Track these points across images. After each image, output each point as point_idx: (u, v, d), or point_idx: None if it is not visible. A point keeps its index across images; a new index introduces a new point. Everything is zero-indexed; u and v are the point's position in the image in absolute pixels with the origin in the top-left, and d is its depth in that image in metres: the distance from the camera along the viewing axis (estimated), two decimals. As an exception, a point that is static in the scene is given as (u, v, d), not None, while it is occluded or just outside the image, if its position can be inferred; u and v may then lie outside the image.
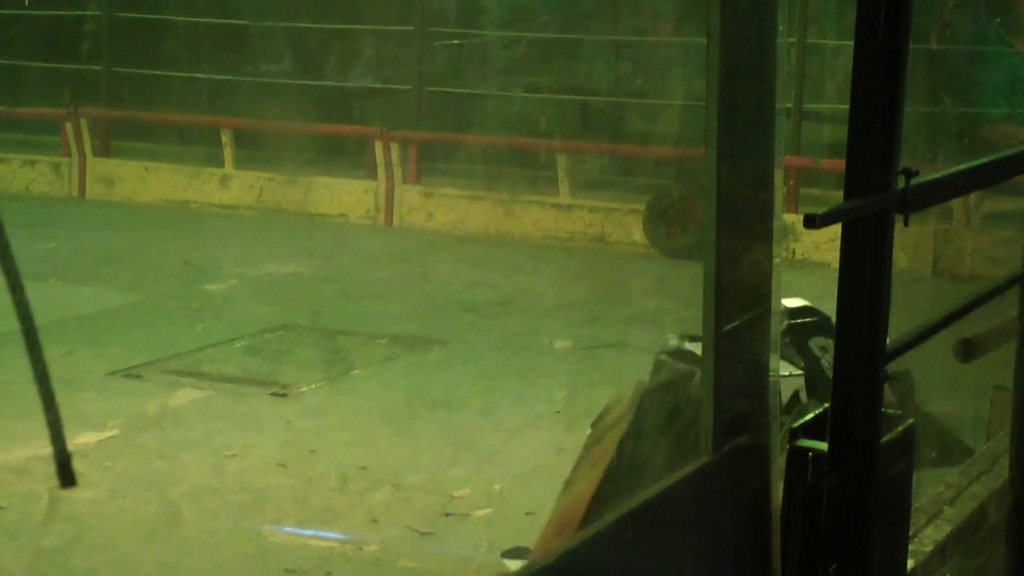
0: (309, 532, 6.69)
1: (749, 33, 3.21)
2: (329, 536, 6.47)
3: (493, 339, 10.11)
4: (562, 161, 13.93)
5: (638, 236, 13.02)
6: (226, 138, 15.21)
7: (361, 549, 6.54)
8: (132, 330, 10.08)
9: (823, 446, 3.12)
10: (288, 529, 6.70)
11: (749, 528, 3.32)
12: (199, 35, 16.54)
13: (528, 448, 7.74)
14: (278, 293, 11.33)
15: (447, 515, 6.86)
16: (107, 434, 7.76)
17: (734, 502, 3.30)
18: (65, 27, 17.33)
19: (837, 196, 3.11)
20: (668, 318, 9.93)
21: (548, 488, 7.11)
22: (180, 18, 16.60)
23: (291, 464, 7.49)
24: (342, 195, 14.64)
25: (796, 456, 3.19)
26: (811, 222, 2.51)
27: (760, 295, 3.35)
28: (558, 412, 8.32)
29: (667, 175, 13.81)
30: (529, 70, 15.75)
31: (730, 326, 3.25)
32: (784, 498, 3.22)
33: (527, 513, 6.83)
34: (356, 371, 9.24)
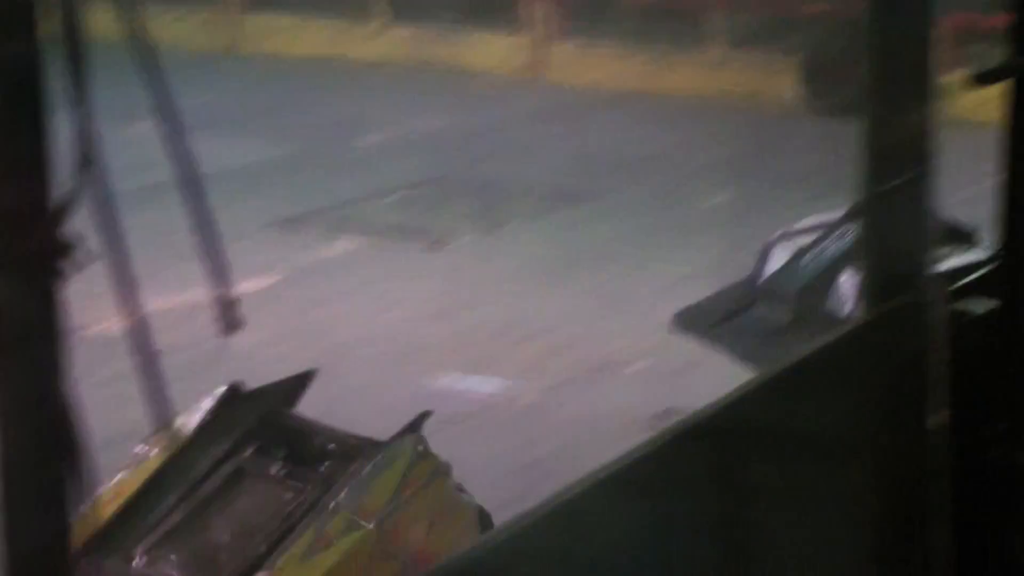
0: (465, 382, 6.73)
1: None
2: (485, 386, 6.50)
3: (645, 195, 10.01)
4: (716, 17, 13.72)
5: (793, 93, 12.82)
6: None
7: (516, 400, 6.57)
8: (288, 182, 10.14)
9: (988, 305, 3.06)
10: (444, 379, 6.73)
11: (906, 389, 3.29)
12: None
13: (683, 303, 7.70)
14: (430, 148, 11.25)
15: (601, 368, 6.86)
16: (267, 282, 7.85)
17: (891, 363, 3.26)
18: None
19: (999, 54, 3.03)
20: (822, 178, 9.79)
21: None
22: None
23: (446, 315, 7.52)
24: (494, 50, 14.52)
25: (958, 316, 3.15)
26: (981, 79, 2.45)
27: (919, 154, 3.27)
28: (711, 268, 8.25)
29: (825, 31, 13.51)
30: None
31: (887, 186, 3.19)
32: (943, 358, 3.18)
33: (680, 368, 6.81)
34: (509, 225, 9.22)
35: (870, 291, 3.30)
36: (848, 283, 6.57)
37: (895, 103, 3.20)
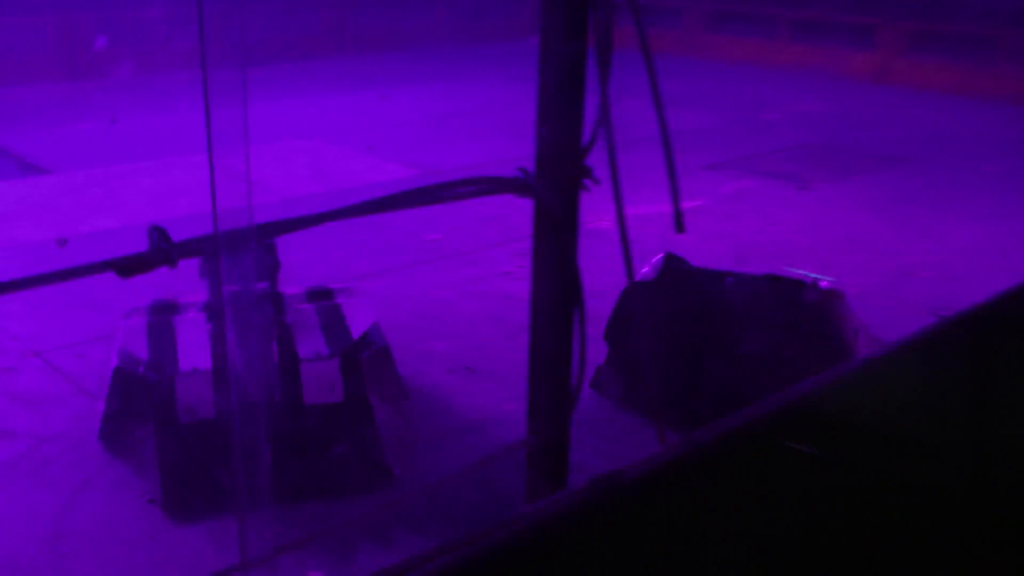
0: (812, 275, 6.58)
1: None
2: (825, 278, 6.35)
3: (950, 160, 9.50)
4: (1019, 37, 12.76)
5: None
6: (782, 23, 14.81)
7: (846, 291, 6.40)
8: (715, 142, 10.06)
9: None
10: (799, 271, 6.62)
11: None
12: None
13: (970, 234, 7.30)
14: (808, 123, 11.00)
15: (906, 274, 6.60)
16: (698, 203, 7.86)
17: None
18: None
19: None
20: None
21: (975, 262, 6.71)
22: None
23: (807, 230, 7.37)
24: (854, 62, 13.95)
25: None
26: None
27: None
28: (991, 212, 7.80)
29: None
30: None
31: None
32: None
33: (959, 277, 6.49)
34: (855, 176, 8.90)
35: None
36: None
37: None
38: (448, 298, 6.16)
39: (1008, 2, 13.73)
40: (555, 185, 2.18)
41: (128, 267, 1.96)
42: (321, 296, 4.66)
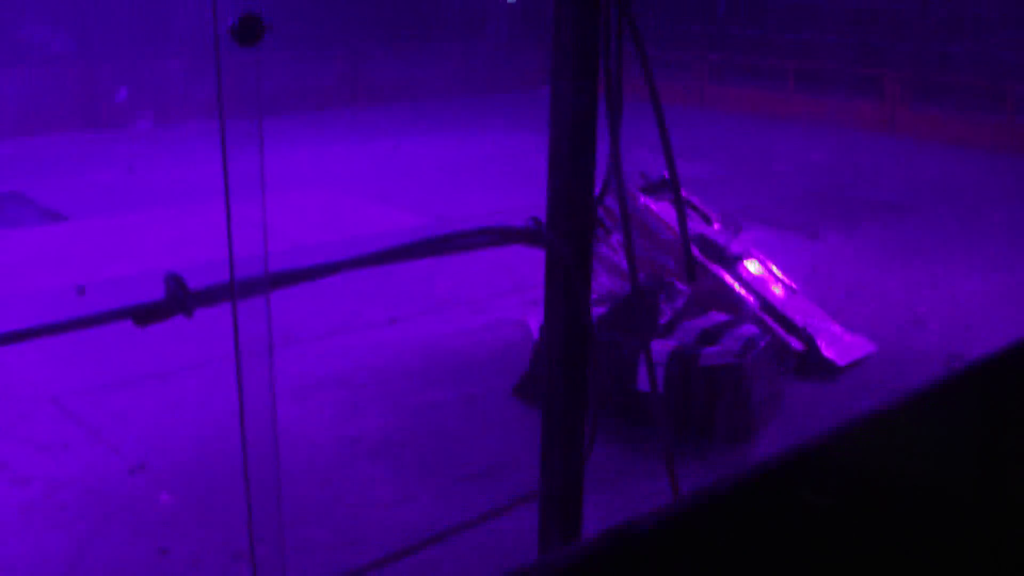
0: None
1: None
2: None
3: (951, 210, 9.51)
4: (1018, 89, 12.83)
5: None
6: (790, 74, 14.90)
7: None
8: (724, 192, 10.08)
9: None
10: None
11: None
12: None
13: (980, 284, 7.28)
14: (816, 172, 11.03)
15: (917, 324, 6.56)
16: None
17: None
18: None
19: None
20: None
21: (985, 311, 6.67)
22: None
23: (818, 281, 7.33)
24: (862, 111, 13.99)
25: None
26: None
27: None
28: (989, 260, 7.79)
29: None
30: None
31: None
32: None
33: (970, 327, 6.45)
34: (861, 225, 8.89)
35: None
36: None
37: None
38: (459, 346, 6.14)
39: (1010, 55, 13.80)
40: (567, 234, 2.18)
41: (145, 315, 1.96)
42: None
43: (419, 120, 14.15)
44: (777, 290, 5.90)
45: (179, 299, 1.88)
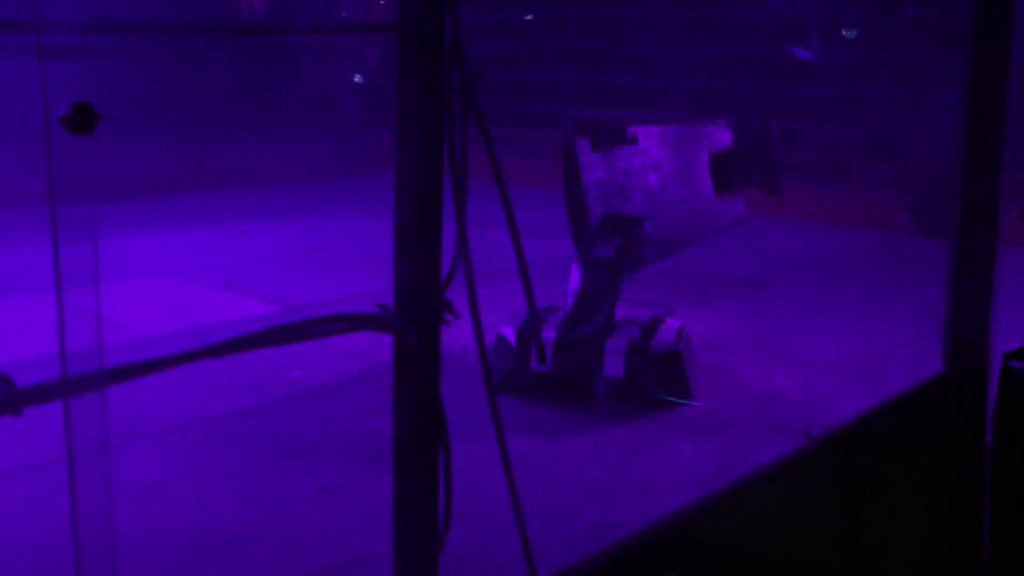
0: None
1: None
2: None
3: (806, 284, 9.91)
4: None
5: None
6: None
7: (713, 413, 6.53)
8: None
9: None
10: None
11: (973, 431, 3.11)
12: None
13: (835, 353, 7.58)
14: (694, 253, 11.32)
15: (773, 397, 6.78)
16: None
17: (963, 408, 3.09)
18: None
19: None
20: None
21: (840, 381, 6.95)
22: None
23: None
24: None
25: (1008, 376, 2.97)
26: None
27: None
28: (844, 330, 8.12)
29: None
30: None
31: (963, 285, 3.08)
32: (996, 412, 2.98)
33: (827, 397, 6.70)
34: (718, 301, 9.19)
35: (947, 350, 3.16)
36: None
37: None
38: (314, 436, 6.07)
39: (851, 132, 14.59)
40: (415, 321, 2.21)
41: (-31, 416, 1.89)
42: None
43: (265, 205, 14.06)
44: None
45: (6, 398, 1.83)
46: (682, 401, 6.61)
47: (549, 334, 6.62)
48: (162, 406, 6.34)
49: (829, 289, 9.70)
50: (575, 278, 7.08)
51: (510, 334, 6.85)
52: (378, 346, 6.79)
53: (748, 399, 6.70)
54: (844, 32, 14.89)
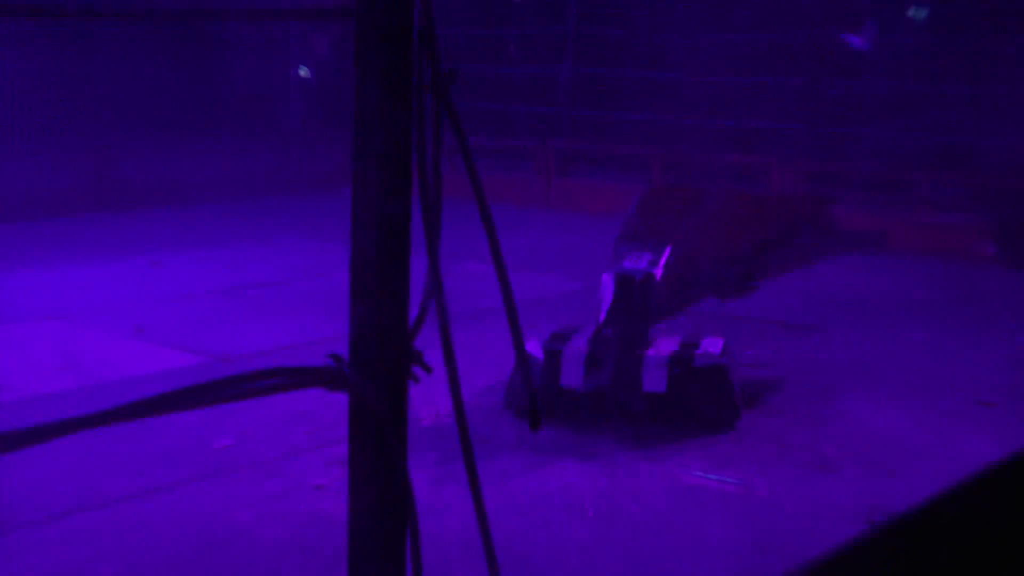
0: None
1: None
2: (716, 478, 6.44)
3: (862, 328, 9.96)
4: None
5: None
6: (655, 166, 15.56)
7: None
8: (576, 310, 10.26)
9: None
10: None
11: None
12: (640, 86, 16.67)
13: (893, 416, 7.61)
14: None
15: (825, 468, 6.78)
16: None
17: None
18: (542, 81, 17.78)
19: None
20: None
21: (908, 451, 6.96)
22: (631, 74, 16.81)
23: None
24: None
25: None
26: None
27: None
28: (911, 386, 8.16)
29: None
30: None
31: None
32: None
33: (888, 473, 6.70)
34: (746, 351, 9.21)
35: None
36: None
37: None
38: (244, 523, 6.02)
39: (917, 139, 14.67)
40: (376, 376, 2.19)
41: None
42: None
43: (187, 231, 14.05)
44: None
45: None
46: (730, 424, 7.31)
47: (579, 346, 7.24)
48: (48, 487, 6.29)
49: (891, 334, 9.73)
50: (607, 288, 7.52)
51: (536, 349, 7.26)
52: (327, 406, 6.78)
53: (793, 472, 6.70)
54: (911, 13, 15.00)
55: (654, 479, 6.51)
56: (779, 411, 7.75)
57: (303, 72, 17.91)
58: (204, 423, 7.11)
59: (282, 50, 18.01)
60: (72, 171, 15.23)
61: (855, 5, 15.33)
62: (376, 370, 2.19)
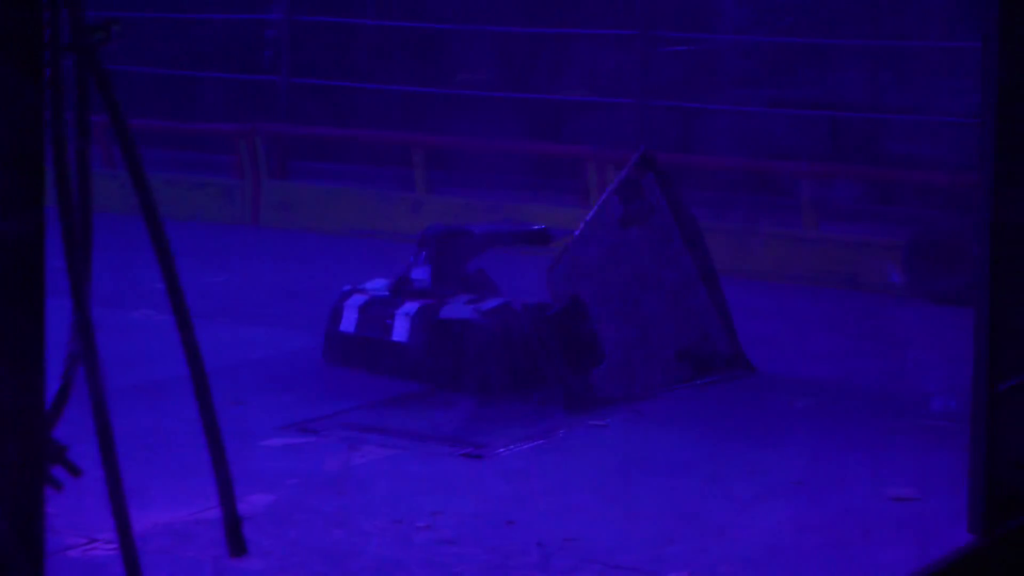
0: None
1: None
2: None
3: (718, 396, 10.08)
4: (807, 187, 13.95)
5: (896, 276, 12.94)
6: (418, 159, 15.45)
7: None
8: (308, 377, 10.20)
9: None
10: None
11: None
12: (390, 42, 16.70)
13: (762, 524, 7.71)
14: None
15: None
16: (280, 496, 7.89)
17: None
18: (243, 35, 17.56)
19: None
20: (935, 374, 9.86)
21: (793, 570, 7.11)
22: (369, 22, 16.78)
23: (487, 536, 7.52)
24: (553, 224, 14.66)
25: None
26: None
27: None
28: (798, 482, 8.28)
29: (933, 204, 13.69)
30: (770, 81, 15.69)
31: (1007, 385, 3.16)
32: None
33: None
34: (561, 431, 9.25)
35: (986, 507, 3.27)
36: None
37: (1017, 287, 3.19)
38: None
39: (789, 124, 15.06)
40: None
41: None
42: None
43: None
44: None
45: None
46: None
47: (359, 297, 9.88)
48: None
49: (764, 403, 9.91)
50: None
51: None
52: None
53: None
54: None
55: None
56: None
57: None
58: None
59: None
60: None
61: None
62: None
